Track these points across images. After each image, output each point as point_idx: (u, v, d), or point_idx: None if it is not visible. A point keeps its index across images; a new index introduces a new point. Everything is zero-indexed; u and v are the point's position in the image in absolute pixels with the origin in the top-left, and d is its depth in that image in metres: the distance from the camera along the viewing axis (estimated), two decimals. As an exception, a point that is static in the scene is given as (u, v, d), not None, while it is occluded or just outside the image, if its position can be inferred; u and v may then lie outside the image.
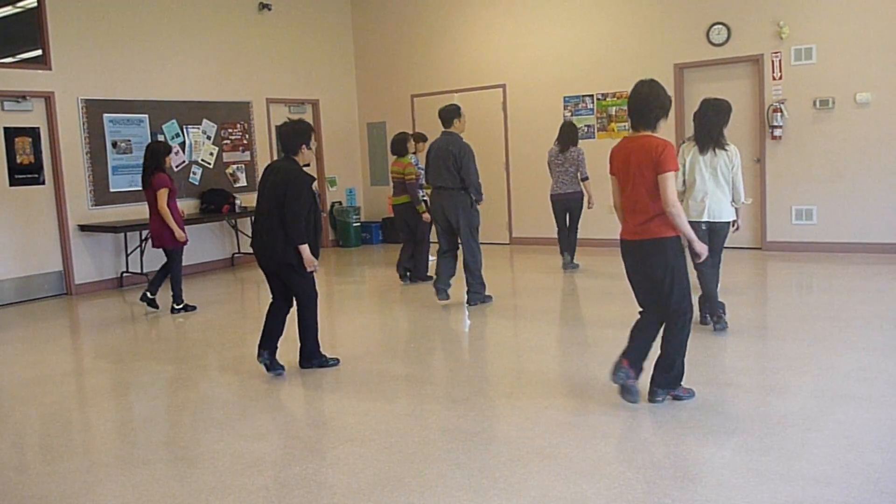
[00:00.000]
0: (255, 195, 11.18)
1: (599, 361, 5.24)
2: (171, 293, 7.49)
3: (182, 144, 10.24)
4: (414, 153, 8.93)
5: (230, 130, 10.85)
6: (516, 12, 11.01)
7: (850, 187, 8.85)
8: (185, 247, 7.50)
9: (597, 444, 3.80)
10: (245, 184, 11.02)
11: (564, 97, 10.70)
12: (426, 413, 4.42)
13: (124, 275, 9.49)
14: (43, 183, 8.92)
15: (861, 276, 7.64)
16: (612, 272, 8.51)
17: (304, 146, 5.09)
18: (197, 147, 10.43)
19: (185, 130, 10.26)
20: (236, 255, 10.88)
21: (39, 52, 8.85)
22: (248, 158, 11.12)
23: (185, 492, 3.53)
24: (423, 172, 8.60)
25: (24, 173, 8.75)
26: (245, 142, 11.06)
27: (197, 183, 10.43)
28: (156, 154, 7.31)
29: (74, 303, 8.66)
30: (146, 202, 7.42)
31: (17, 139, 8.67)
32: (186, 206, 10.14)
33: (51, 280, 9.01)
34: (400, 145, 8.63)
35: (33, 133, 8.81)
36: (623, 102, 10.25)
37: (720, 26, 9.42)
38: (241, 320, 7.34)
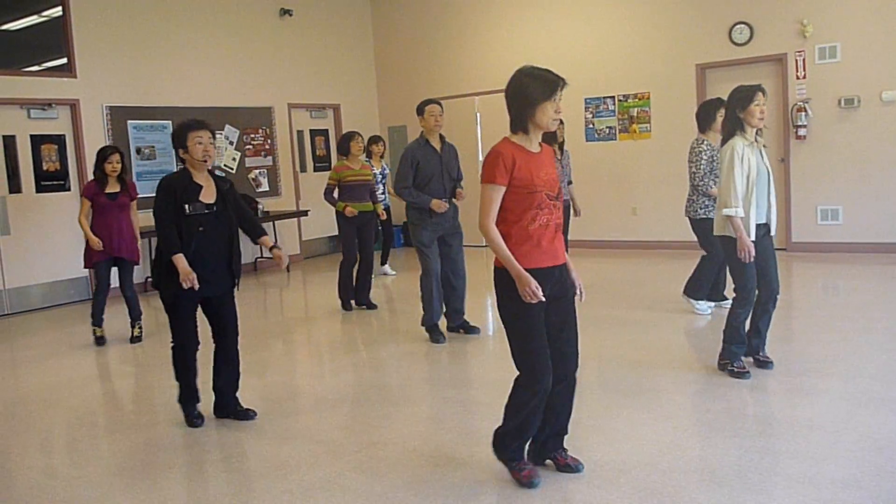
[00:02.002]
0: (278, 199, 11.37)
1: (619, 364, 5.21)
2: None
3: (205, 150, 10.32)
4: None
5: (252, 136, 10.92)
6: (537, 14, 10.99)
7: (877, 187, 8.74)
8: (104, 266, 6.79)
9: (621, 447, 3.77)
10: (267, 189, 11.10)
11: (586, 99, 10.66)
12: (448, 416, 4.41)
13: (148, 280, 9.57)
14: (69, 189, 9.02)
15: (888, 277, 7.53)
16: (613, 274, 8.51)
17: (180, 150, 4.42)
18: (219, 152, 10.51)
19: (207, 136, 10.33)
20: (259, 260, 10.95)
21: (65, 60, 8.97)
22: (271, 163, 11.18)
23: (209, 495, 3.55)
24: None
25: (50, 180, 8.86)
26: (267, 147, 11.13)
27: (220, 188, 10.49)
28: (96, 160, 6.71)
29: (100, 308, 8.73)
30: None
31: (43, 146, 8.79)
32: (209, 211, 10.23)
33: (77, 285, 9.11)
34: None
35: (59, 140, 8.92)
36: (646, 104, 10.20)
37: (742, 25, 9.34)
38: (264, 324, 7.38)
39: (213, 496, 3.53)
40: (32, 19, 8.94)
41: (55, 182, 8.89)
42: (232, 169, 10.66)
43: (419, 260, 6.23)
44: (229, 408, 4.60)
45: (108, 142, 9.23)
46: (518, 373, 3.31)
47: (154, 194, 4.46)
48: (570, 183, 7.86)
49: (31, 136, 8.70)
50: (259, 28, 11.02)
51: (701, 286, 6.45)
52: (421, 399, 4.76)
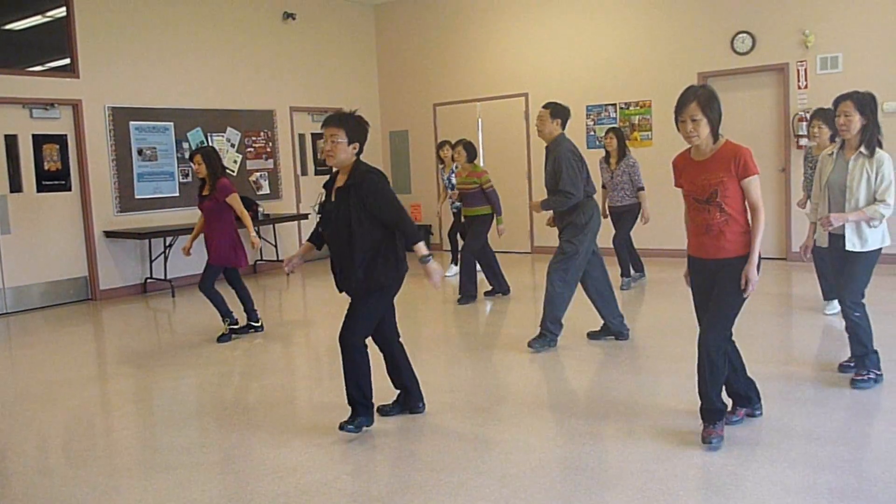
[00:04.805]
0: (278, 202, 11.36)
1: (621, 372, 5.21)
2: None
3: (206, 152, 10.34)
4: (442, 162, 9.33)
5: (254, 138, 10.93)
6: (539, 21, 11.01)
7: (878, 197, 8.73)
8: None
9: (619, 455, 3.76)
10: (268, 191, 11.10)
11: (587, 106, 10.68)
12: (447, 421, 4.41)
13: (148, 281, 9.58)
14: (70, 189, 9.02)
15: (889, 288, 7.53)
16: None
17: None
18: (221, 155, 10.49)
19: (209, 138, 10.35)
20: (259, 263, 10.94)
21: (68, 60, 8.97)
22: (272, 166, 11.19)
23: (205, 497, 3.54)
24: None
25: (52, 180, 8.86)
26: (268, 150, 11.14)
27: (220, 190, 10.50)
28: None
29: (99, 308, 8.74)
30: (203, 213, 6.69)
31: (44, 146, 8.79)
32: (210, 213, 10.24)
33: (76, 285, 9.11)
34: (473, 149, 8.26)
35: (61, 140, 8.93)
36: (646, 111, 10.21)
37: (744, 35, 9.36)
38: (266, 327, 7.36)
39: (209, 498, 3.52)
40: (36, 19, 8.95)
41: (56, 182, 8.89)
42: (233, 172, 10.66)
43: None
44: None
45: (110, 142, 9.25)
46: None
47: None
48: (640, 189, 8.11)
49: (34, 135, 8.70)
50: (262, 31, 11.03)
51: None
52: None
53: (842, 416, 4.13)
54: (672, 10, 9.90)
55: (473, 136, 11.67)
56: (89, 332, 7.79)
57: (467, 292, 7.89)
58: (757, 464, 3.57)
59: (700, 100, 3.62)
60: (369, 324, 4.22)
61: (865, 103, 4.47)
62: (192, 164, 6.74)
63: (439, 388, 5.03)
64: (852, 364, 4.86)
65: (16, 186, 8.59)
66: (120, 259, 9.40)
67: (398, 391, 4.55)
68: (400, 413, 4.54)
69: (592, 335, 6.09)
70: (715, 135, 3.71)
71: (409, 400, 4.54)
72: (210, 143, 10.34)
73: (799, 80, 9.08)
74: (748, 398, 4.10)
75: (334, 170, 4.25)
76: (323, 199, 4.33)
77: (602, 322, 6.06)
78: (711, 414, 3.81)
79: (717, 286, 3.78)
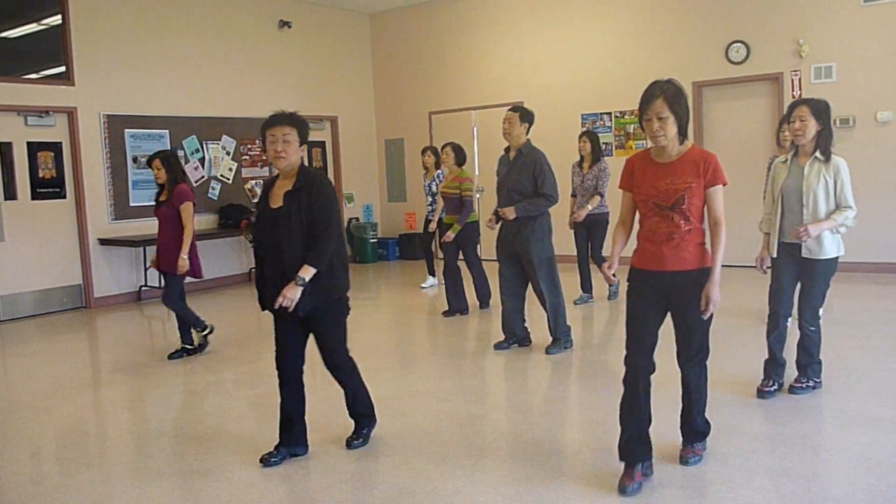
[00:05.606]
0: (273, 211, 11.32)
1: (614, 380, 5.21)
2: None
3: (202, 160, 10.34)
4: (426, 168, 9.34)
5: (249, 146, 10.94)
6: (534, 30, 11.05)
7: (871, 207, 8.74)
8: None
9: (612, 461, 3.75)
10: (263, 199, 11.10)
11: (582, 114, 10.71)
12: (442, 429, 4.40)
13: (142, 288, 9.56)
14: (64, 197, 9.01)
15: (882, 297, 7.55)
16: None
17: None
18: (216, 162, 10.52)
19: (204, 146, 10.35)
20: (253, 270, 10.93)
21: (63, 68, 8.98)
22: (267, 174, 11.19)
23: (199, 505, 3.53)
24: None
25: (46, 187, 8.85)
26: (264, 158, 11.13)
27: (215, 198, 10.51)
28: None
29: (93, 316, 8.72)
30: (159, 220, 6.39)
31: (39, 154, 8.78)
32: (205, 220, 10.24)
33: (70, 293, 9.09)
34: (462, 154, 8.04)
35: (56, 148, 8.92)
36: (641, 120, 10.23)
37: (739, 44, 9.40)
38: (257, 335, 7.36)
39: (203, 506, 3.51)
40: (32, 27, 8.96)
41: (51, 189, 8.88)
42: (228, 179, 10.67)
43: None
44: None
45: (105, 150, 9.25)
46: None
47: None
48: (600, 194, 7.76)
49: (28, 143, 8.69)
50: (258, 39, 11.05)
51: None
52: (415, 411, 4.74)
53: (837, 425, 4.14)
54: (667, 20, 9.94)
55: (469, 145, 11.66)
56: (83, 339, 7.76)
57: (483, 298, 7.93)
58: (750, 472, 3.57)
59: (666, 95, 3.36)
60: (345, 337, 4.06)
61: (821, 109, 4.44)
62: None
63: (433, 397, 5.03)
64: (803, 384, 4.72)
65: (10, 194, 8.57)
66: (114, 267, 9.38)
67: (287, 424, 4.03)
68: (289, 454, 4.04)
69: (498, 346, 6.15)
70: (683, 134, 3.41)
71: (298, 435, 4.06)
72: (206, 151, 10.36)
73: (793, 90, 9.12)
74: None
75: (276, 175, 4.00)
76: (258, 209, 3.94)
77: (506, 333, 6.17)
78: (695, 434, 3.73)
79: (682, 311, 3.50)
